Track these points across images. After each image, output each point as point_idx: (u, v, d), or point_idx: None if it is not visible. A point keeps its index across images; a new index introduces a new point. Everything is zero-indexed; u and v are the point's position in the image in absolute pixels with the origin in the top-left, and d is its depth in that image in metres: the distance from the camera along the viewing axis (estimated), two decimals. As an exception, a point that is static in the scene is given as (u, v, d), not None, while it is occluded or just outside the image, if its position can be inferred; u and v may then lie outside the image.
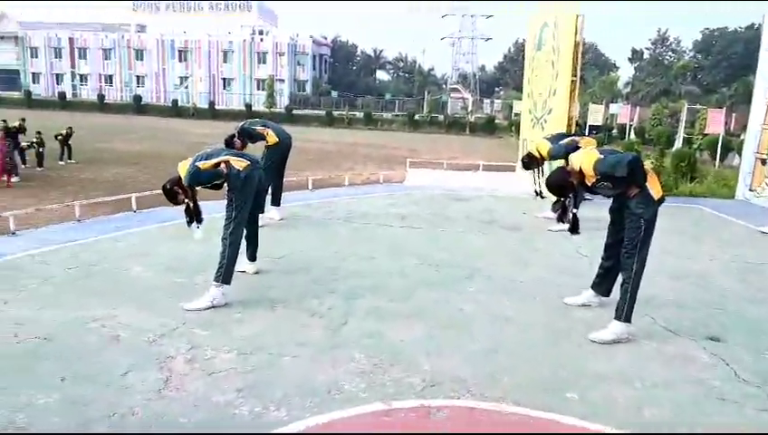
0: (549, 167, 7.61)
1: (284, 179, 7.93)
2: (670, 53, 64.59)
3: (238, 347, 3.86)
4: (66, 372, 3.44)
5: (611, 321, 4.19)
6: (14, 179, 11.84)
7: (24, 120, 14.73)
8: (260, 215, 5.67)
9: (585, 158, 4.14)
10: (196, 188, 4.73)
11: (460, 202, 9.85)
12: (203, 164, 4.62)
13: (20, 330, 4.00)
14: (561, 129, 8.97)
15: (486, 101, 64.35)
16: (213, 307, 4.51)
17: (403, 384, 3.44)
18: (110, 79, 64.59)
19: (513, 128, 33.00)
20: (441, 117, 44.76)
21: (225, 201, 4.77)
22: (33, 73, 65.07)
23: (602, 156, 4.08)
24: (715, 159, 20.29)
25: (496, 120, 43.82)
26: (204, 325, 4.19)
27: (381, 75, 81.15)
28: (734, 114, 30.56)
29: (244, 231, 4.95)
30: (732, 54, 57.93)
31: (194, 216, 4.76)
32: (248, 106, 46.55)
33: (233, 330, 4.16)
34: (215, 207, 5.82)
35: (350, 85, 68.38)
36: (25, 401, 3.13)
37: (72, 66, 64.82)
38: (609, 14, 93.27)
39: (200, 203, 4.82)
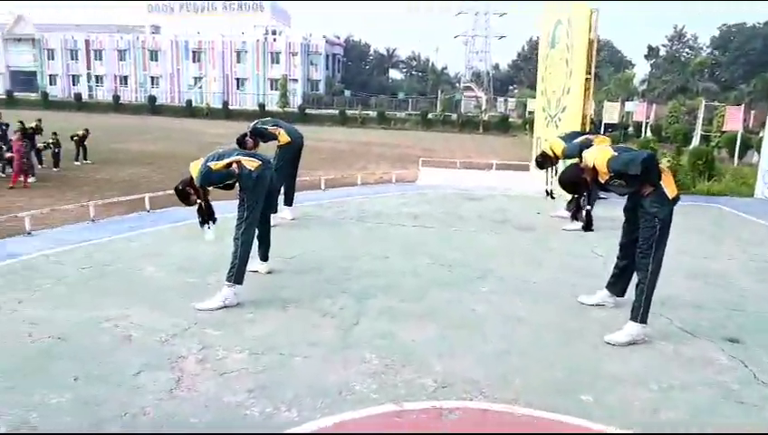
0: (563, 166, 7.54)
1: (297, 179, 7.93)
2: (687, 49, 63.84)
3: (250, 347, 3.85)
4: (79, 371, 3.46)
5: (627, 322, 4.13)
6: (30, 180, 12.00)
7: (40, 120, 14.97)
8: (272, 215, 5.68)
9: (599, 154, 4.08)
10: (209, 189, 4.75)
11: (473, 201, 9.80)
12: (215, 164, 4.64)
13: (34, 329, 4.03)
14: (575, 127, 8.91)
15: (500, 99, 63.92)
16: (225, 307, 4.51)
17: (415, 385, 3.41)
18: (125, 80, 65.24)
19: (527, 126, 32.84)
20: (455, 116, 44.65)
21: (237, 201, 4.79)
22: (50, 75, 65.92)
23: (616, 153, 4.02)
24: (733, 156, 20.03)
25: (510, 119, 43.66)
26: (216, 325, 4.20)
27: (394, 74, 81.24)
28: (752, 111, 30.17)
29: (256, 231, 4.95)
30: (750, 51, 57.16)
31: (206, 216, 4.78)
32: (262, 106, 46.85)
33: (244, 330, 4.16)
34: (227, 208, 5.83)
35: (364, 84, 68.46)
36: (38, 400, 3.15)
37: (88, 67, 65.58)
38: (625, 11, 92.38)
39: (212, 203, 4.84)
